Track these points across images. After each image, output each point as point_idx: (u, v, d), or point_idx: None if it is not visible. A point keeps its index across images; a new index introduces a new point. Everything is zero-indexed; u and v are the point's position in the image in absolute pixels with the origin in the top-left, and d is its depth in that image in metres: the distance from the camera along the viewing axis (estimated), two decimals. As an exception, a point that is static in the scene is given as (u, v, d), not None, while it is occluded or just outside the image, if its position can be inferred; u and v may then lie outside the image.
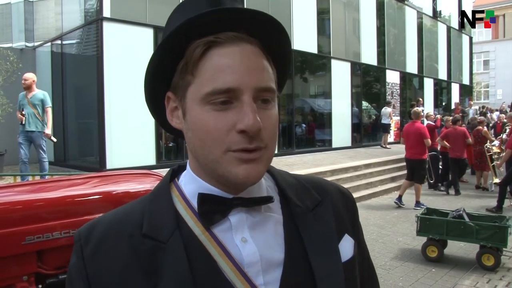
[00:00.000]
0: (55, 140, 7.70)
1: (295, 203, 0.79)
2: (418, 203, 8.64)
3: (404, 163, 11.91)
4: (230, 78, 0.67)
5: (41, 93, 7.28)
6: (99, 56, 8.82)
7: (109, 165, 8.63)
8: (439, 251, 5.48)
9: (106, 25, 8.80)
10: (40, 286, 1.96)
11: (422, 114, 9.50)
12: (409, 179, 8.80)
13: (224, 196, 0.74)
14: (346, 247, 0.80)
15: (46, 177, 6.86)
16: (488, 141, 10.67)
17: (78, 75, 10.94)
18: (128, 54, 8.92)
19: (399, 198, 8.85)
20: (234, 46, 0.70)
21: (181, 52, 0.72)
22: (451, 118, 11.52)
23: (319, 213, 0.80)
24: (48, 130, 7.27)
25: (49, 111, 7.29)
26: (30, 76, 7.34)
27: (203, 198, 0.72)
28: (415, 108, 9.33)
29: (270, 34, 0.74)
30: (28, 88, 7.21)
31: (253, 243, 0.72)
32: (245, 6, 0.76)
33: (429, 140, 8.63)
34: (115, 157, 8.74)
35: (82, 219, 1.94)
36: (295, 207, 0.79)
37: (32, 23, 12.87)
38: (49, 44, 11.65)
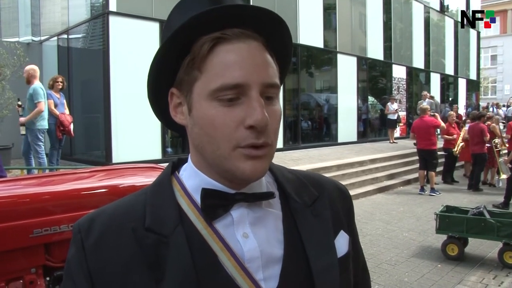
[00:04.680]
0: (22, 132, 7.00)
1: (293, 198, 0.81)
2: (433, 190, 9.55)
3: (410, 158, 12.11)
4: (238, 74, 0.68)
5: (32, 87, 6.92)
6: (105, 50, 8.83)
7: (115, 159, 8.66)
8: (460, 249, 5.40)
9: (112, 19, 8.80)
10: (47, 278, 1.98)
11: (428, 109, 10.06)
12: (423, 169, 9.68)
13: (227, 191, 0.74)
14: (342, 243, 0.82)
15: (46, 170, 6.84)
16: (497, 137, 10.60)
17: (84, 69, 10.96)
18: (134, 48, 8.93)
19: (421, 188, 9.68)
20: (241, 43, 0.70)
21: (186, 48, 0.72)
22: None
23: (316, 209, 0.81)
24: (23, 119, 6.90)
25: (38, 106, 6.85)
26: (26, 69, 7.09)
27: (206, 192, 0.73)
28: (421, 105, 10.53)
29: (274, 31, 0.75)
30: (27, 81, 7.02)
31: (254, 239, 0.73)
32: (251, 1, 0.76)
33: (444, 125, 9.90)
34: (121, 151, 8.77)
35: (89, 213, 1.95)
36: (294, 202, 0.80)
37: (38, 17, 12.89)
38: (55, 38, 11.67)
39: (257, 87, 0.69)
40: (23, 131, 7.02)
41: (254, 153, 0.70)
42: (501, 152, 10.41)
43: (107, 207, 0.78)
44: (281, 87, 0.80)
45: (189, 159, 0.80)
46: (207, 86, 0.70)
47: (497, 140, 10.44)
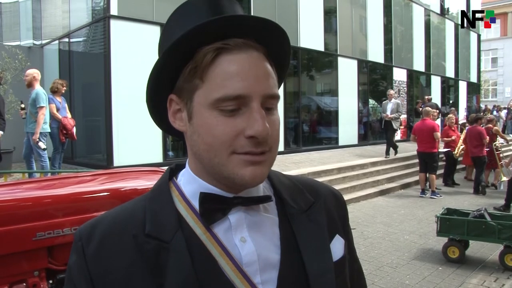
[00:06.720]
0: (43, 147, 6.96)
1: (289, 204, 0.82)
2: (433, 192, 9.55)
3: (411, 161, 12.11)
4: (239, 85, 0.69)
5: (35, 92, 6.89)
6: (106, 54, 8.86)
7: (116, 163, 8.67)
8: (460, 252, 5.38)
9: (113, 23, 8.83)
10: (50, 281, 1.99)
11: (432, 112, 10.07)
12: (423, 172, 9.72)
13: (225, 195, 0.75)
14: (337, 247, 0.83)
15: (48, 174, 6.85)
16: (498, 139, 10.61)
17: (86, 73, 10.99)
18: (135, 51, 8.95)
19: (422, 191, 9.70)
20: (242, 53, 0.71)
21: (187, 56, 0.72)
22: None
23: (312, 214, 0.82)
24: (36, 135, 6.81)
25: (40, 111, 6.81)
26: (30, 73, 7.08)
27: (205, 197, 0.74)
28: (426, 108, 10.40)
29: (275, 42, 0.76)
30: (29, 85, 7.00)
31: (251, 243, 0.74)
32: (252, 5, 0.77)
33: (439, 134, 9.61)
34: (122, 155, 8.78)
35: (91, 216, 1.95)
36: (290, 208, 0.81)
37: (39, 21, 12.93)
38: (56, 42, 11.70)
39: (258, 98, 0.70)
40: (43, 145, 6.95)
41: (252, 158, 0.70)
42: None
43: (108, 214, 0.78)
44: (281, 90, 0.81)
45: (187, 165, 0.81)
46: (209, 96, 0.70)
47: (498, 143, 10.45)
